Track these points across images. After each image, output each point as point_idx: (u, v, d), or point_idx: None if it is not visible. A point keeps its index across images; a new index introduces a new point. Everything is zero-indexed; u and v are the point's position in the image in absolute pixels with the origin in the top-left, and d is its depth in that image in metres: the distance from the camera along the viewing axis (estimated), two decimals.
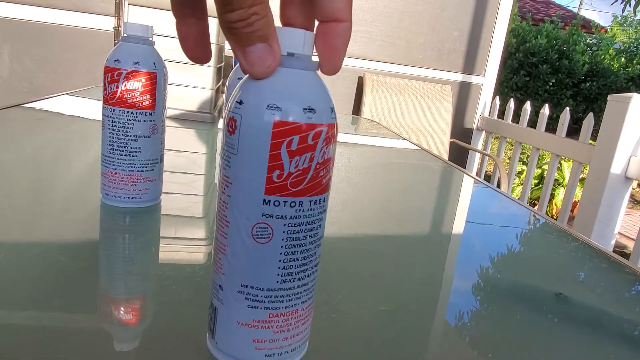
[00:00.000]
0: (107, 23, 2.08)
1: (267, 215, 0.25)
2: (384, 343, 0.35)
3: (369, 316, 0.39)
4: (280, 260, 0.26)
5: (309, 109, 0.24)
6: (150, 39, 0.51)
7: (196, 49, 0.28)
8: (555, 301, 0.45)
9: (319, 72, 0.26)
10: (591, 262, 0.60)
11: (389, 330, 0.37)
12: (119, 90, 0.49)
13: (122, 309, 0.35)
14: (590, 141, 1.86)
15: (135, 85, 0.49)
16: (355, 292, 0.42)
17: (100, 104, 0.52)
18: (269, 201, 0.25)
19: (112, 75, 0.49)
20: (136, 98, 0.50)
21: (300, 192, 0.25)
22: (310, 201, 0.25)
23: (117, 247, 0.46)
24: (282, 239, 0.25)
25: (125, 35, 0.50)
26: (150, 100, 0.51)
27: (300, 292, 0.27)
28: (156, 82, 0.51)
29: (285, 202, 0.25)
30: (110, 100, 0.50)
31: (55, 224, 0.50)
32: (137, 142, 0.51)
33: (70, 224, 0.50)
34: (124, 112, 0.50)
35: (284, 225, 0.25)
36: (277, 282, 0.26)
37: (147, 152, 0.52)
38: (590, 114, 1.82)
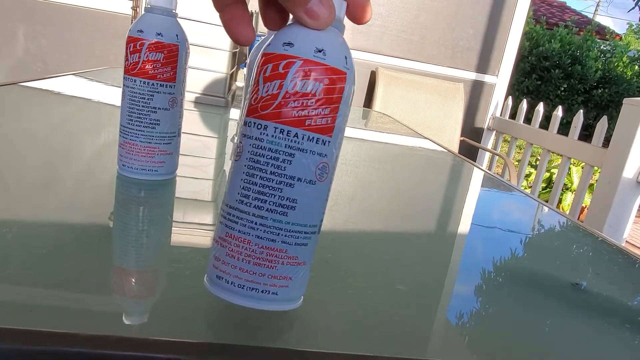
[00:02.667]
0: (123, 6, 2.08)
1: (243, 135, 0.28)
2: (398, 324, 0.35)
3: (385, 295, 0.38)
4: (242, 180, 0.28)
5: (287, 44, 0.27)
6: (174, 10, 0.50)
7: (242, 32, 0.30)
8: (572, 290, 0.45)
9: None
10: (607, 255, 0.59)
11: (405, 310, 0.37)
12: (141, 61, 0.49)
13: (132, 279, 0.35)
14: (602, 146, 1.84)
15: (157, 57, 0.49)
16: (372, 276, 0.42)
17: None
18: (246, 122, 0.28)
19: (135, 45, 0.49)
20: (157, 69, 0.49)
21: (266, 115, 0.27)
22: (276, 128, 0.27)
23: (130, 219, 0.46)
24: (247, 158, 0.28)
25: (149, 6, 0.50)
26: (171, 73, 0.50)
27: (255, 224, 0.27)
28: (178, 55, 0.50)
29: (254, 123, 0.27)
30: (131, 70, 0.50)
31: (70, 193, 0.50)
32: (156, 114, 0.51)
33: (86, 193, 0.50)
34: (144, 83, 0.49)
35: (250, 145, 0.28)
36: (237, 200, 0.28)
37: (165, 124, 0.51)
38: (604, 117, 1.81)
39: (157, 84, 0.50)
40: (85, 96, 1.07)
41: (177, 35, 0.50)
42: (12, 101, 0.87)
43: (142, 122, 0.50)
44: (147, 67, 0.49)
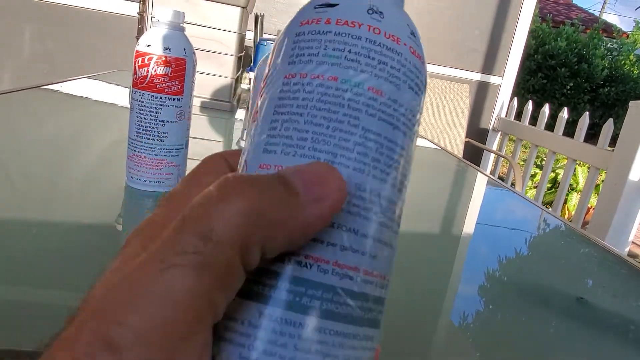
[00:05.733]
0: (128, 7, 2.09)
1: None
2: (403, 337, 0.35)
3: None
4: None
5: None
6: (181, 24, 0.51)
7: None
8: (577, 305, 0.45)
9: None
10: (611, 267, 0.59)
11: (408, 323, 0.37)
12: (149, 75, 0.50)
13: None
14: (608, 147, 1.83)
15: (165, 71, 0.50)
16: None
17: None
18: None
19: (143, 59, 0.49)
20: (165, 83, 0.50)
21: None
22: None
23: None
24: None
25: (157, 20, 0.50)
26: (179, 86, 0.51)
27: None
28: (185, 68, 0.51)
29: None
30: (139, 84, 0.50)
31: (79, 204, 0.51)
32: (164, 127, 0.51)
33: (95, 205, 0.51)
34: (152, 96, 0.50)
35: None
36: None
37: (173, 137, 0.52)
38: (610, 120, 1.80)
39: (165, 97, 0.50)
40: (99, 99, 1.08)
41: (184, 49, 0.51)
42: (25, 105, 0.88)
43: (150, 135, 0.51)
44: (155, 81, 0.50)
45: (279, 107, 0.17)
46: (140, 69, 0.50)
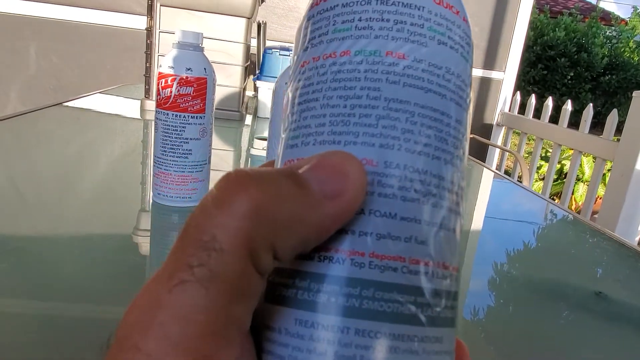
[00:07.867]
0: (131, 21, 2.12)
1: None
2: None
3: None
4: None
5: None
6: (200, 45, 0.53)
7: None
8: (596, 300, 0.46)
9: None
10: (627, 260, 0.61)
11: None
12: (172, 95, 0.51)
13: None
14: (613, 138, 1.84)
15: (188, 90, 0.52)
16: None
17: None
18: None
19: (166, 81, 0.51)
20: (188, 102, 0.52)
21: None
22: None
23: (167, 244, 0.49)
24: None
25: (177, 42, 0.52)
26: (201, 105, 0.53)
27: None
28: (206, 87, 0.53)
29: None
30: (163, 104, 0.52)
31: (108, 220, 0.53)
32: (188, 145, 0.53)
33: (123, 221, 0.53)
34: (176, 116, 0.52)
35: None
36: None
37: (197, 153, 0.54)
38: (615, 111, 1.81)
39: (189, 116, 0.52)
40: (113, 113, 1.10)
41: (205, 69, 0.52)
42: (43, 124, 0.90)
43: (175, 152, 0.53)
44: (178, 100, 0.52)
45: (297, 99, 0.16)
46: (164, 90, 0.51)
